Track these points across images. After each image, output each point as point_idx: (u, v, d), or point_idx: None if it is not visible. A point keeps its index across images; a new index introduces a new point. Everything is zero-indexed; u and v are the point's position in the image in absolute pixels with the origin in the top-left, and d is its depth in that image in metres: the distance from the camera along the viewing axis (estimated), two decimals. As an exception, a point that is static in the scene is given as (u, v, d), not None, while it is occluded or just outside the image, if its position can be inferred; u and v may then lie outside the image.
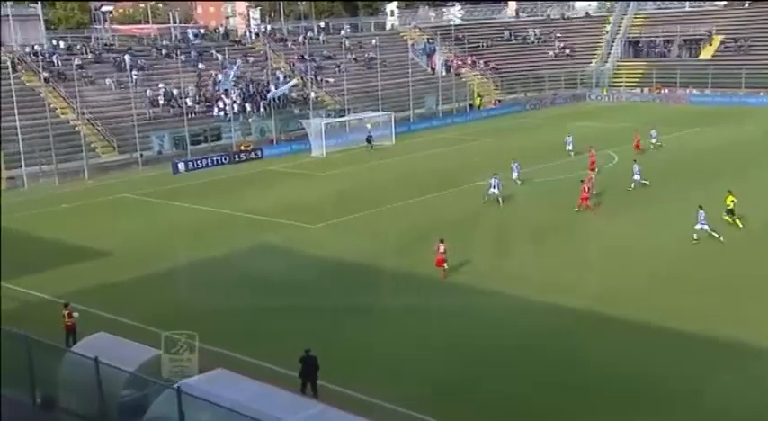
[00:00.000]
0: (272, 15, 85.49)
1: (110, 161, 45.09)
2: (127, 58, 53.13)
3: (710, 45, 69.88)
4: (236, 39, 64.33)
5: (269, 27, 69.99)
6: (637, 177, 33.77)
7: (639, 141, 42.37)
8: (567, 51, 74.39)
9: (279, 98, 53.59)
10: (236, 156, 45.98)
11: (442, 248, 23.41)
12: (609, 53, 74.02)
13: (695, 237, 25.81)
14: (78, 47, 55.84)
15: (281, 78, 56.56)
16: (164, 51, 57.07)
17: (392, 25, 76.64)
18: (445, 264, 23.30)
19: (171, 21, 69.35)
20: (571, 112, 62.23)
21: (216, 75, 53.83)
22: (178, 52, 53.84)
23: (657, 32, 72.69)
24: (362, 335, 19.96)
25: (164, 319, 20.55)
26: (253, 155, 46.56)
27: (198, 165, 44.00)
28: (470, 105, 64.00)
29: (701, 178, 35.82)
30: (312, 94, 57.08)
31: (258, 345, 19.07)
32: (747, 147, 43.87)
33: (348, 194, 35.63)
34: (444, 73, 66.12)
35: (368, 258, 25.75)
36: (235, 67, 52.05)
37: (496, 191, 31.76)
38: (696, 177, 36.18)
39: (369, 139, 47.96)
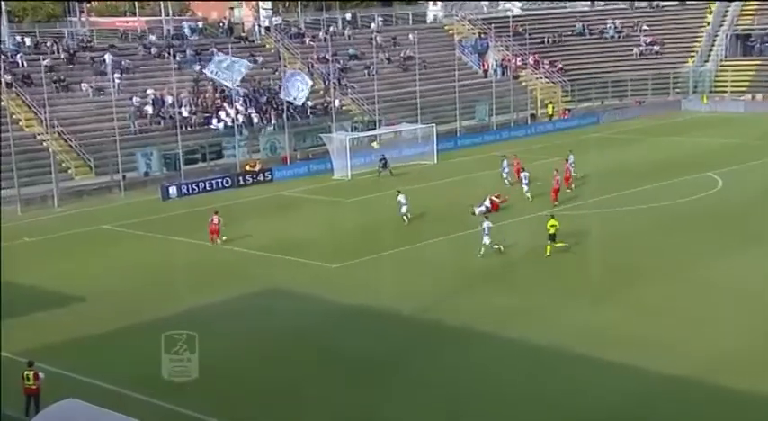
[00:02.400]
0: (287, 5, 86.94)
1: (85, 184, 45.79)
2: (108, 57, 54.26)
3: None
4: (243, 34, 65.44)
5: (282, 20, 71.10)
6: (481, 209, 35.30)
7: (520, 167, 41.06)
8: (657, 48, 74.12)
9: (299, 106, 53.69)
10: (241, 178, 46.41)
11: (216, 220, 33.08)
12: (710, 50, 73.52)
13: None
14: (48, 44, 57.24)
15: (290, 78, 54.87)
16: (153, 50, 58.21)
17: (435, 17, 77.32)
18: (216, 236, 32.86)
19: (162, 12, 70.92)
20: (660, 125, 61.72)
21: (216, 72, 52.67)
22: (171, 51, 54.89)
23: (775, 23, 72.18)
24: (391, 402, 19.80)
25: (149, 382, 20.58)
26: (261, 176, 46.97)
27: (193, 189, 44.49)
28: (532, 116, 63.98)
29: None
30: (336, 102, 57.58)
31: (264, 411, 18.94)
32: None
33: (377, 227, 35.65)
34: (499, 76, 66.24)
35: (398, 307, 25.68)
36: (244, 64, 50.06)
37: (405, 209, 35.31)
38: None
39: (384, 163, 46.59)
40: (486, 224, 30.44)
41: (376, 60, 62.36)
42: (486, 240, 30.06)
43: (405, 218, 35.31)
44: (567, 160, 41.31)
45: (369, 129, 53.86)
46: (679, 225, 34.04)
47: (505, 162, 42.56)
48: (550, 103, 65.15)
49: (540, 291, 26.90)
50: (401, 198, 35.73)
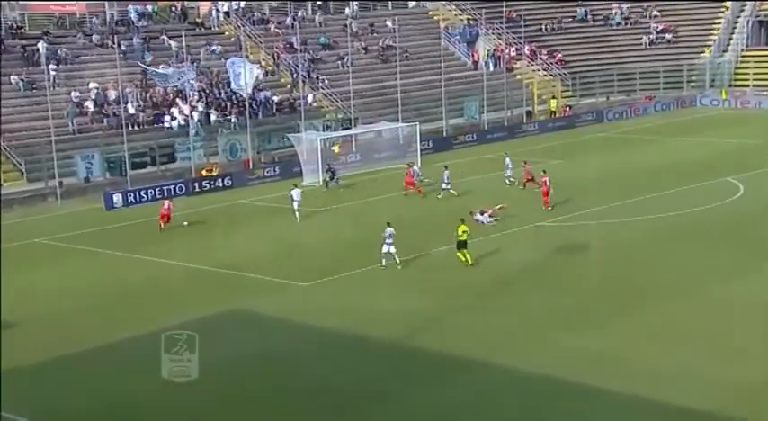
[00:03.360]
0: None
1: (16, 192, 45.52)
2: (41, 46, 53.99)
3: None
4: (198, 20, 65.36)
5: (243, 4, 71.09)
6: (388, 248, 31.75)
7: (412, 181, 43.12)
8: (669, 37, 74.88)
9: (258, 101, 53.89)
10: (197, 184, 46.37)
11: (167, 205, 38.45)
12: (730, 39, 74.32)
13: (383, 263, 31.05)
14: (-28, 31, 56.92)
15: (261, 75, 56.71)
16: (94, 37, 58.05)
17: (417, 1, 77.55)
18: (166, 221, 37.92)
19: (106, -5, 70.56)
20: (673, 124, 62.34)
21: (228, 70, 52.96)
22: (115, 39, 54.76)
23: (804, 8, 72.93)
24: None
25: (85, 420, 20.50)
26: (220, 183, 46.98)
27: (141, 197, 44.37)
28: (528, 113, 64.40)
29: None
30: (309, 98, 57.62)
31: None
32: None
33: (353, 240, 35.70)
34: (491, 68, 66.61)
35: (378, 331, 25.71)
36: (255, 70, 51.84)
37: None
38: None
39: (332, 174, 45.92)
40: (388, 230, 31.12)
41: (351, 50, 62.43)
42: (387, 249, 31.05)
43: (296, 214, 38.94)
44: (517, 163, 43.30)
45: (343, 129, 53.95)
46: (694, 237, 34.33)
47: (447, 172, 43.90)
48: (553, 97, 65.59)
49: (534, 313, 26.97)
50: (294, 193, 39.25)
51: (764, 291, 28.34)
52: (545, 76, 69.01)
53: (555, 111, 64.76)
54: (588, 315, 26.59)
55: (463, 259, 31.02)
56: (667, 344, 24.36)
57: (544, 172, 39.98)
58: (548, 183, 38.97)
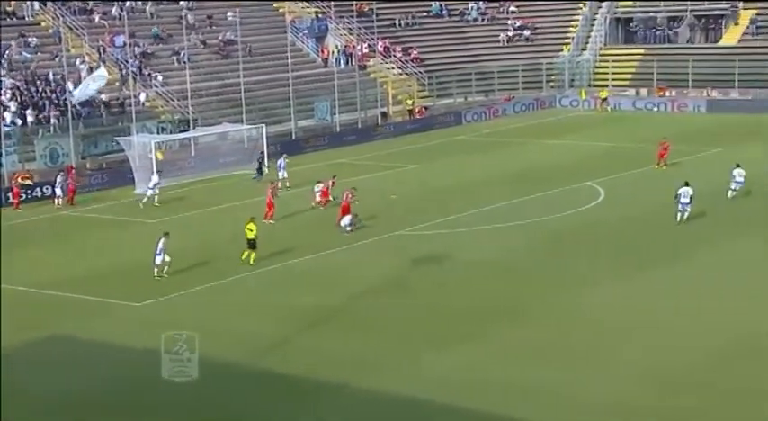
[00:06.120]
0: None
1: None
2: None
3: (736, 25, 73.41)
4: (9, 9, 63.03)
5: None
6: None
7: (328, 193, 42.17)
8: (527, 34, 76.88)
9: (85, 102, 52.60)
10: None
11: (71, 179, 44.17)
12: (588, 37, 76.84)
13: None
14: None
15: (84, 71, 55.54)
16: None
17: (261, -9, 77.08)
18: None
19: None
20: (533, 126, 63.98)
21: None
22: None
23: (659, 7, 75.82)
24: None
25: None
26: (38, 192, 45.73)
27: (-55, 209, 42.54)
28: (383, 114, 64.87)
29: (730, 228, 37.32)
30: (141, 97, 56.33)
31: None
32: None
33: (189, 254, 35.05)
34: (342, 65, 66.75)
35: (221, 354, 25.22)
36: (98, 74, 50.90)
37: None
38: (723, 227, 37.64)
39: (260, 166, 48.87)
40: (162, 241, 31.91)
41: (187, 44, 61.55)
42: (159, 260, 31.89)
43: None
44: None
45: (181, 131, 53.17)
46: (553, 246, 35.11)
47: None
48: (410, 97, 66.22)
49: (394, 330, 27.08)
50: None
51: (620, 302, 28.82)
52: (400, 74, 69.71)
53: (412, 110, 65.41)
54: (442, 334, 26.64)
55: (244, 257, 32.95)
56: (529, 360, 24.70)
57: (330, 182, 41.71)
58: (322, 189, 40.95)
